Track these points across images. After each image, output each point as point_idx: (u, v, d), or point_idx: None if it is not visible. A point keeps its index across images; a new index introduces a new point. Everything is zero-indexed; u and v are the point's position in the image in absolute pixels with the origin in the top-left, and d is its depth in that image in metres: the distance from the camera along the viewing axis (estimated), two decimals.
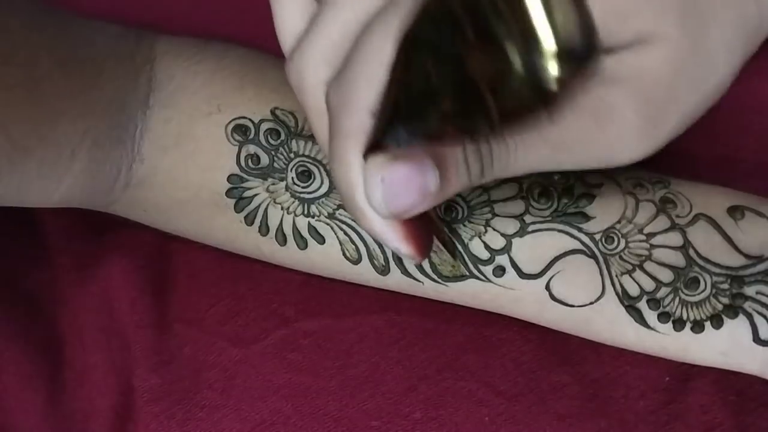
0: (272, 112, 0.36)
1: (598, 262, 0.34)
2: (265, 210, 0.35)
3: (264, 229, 0.36)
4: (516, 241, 0.34)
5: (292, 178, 0.35)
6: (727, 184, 0.35)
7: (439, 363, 0.36)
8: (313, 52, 0.27)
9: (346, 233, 0.35)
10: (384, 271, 0.35)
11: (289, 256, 0.36)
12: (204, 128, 0.36)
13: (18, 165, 0.32)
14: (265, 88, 0.36)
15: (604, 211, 0.34)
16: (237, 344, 0.37)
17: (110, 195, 0.36)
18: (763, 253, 0.33)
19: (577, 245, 0.34)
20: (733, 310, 0.33)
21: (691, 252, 0.33)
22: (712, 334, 0.33)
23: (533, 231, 0.34)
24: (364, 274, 0.36)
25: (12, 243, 0.40)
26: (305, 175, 0.35)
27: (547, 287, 0.34)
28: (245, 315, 0.37)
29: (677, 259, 0.33)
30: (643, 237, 0.33)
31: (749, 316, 0.33)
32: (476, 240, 0.34)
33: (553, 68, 0.18)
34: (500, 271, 0.34)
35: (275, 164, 0.35)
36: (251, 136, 0.35)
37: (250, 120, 0.35)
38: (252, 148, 0.35)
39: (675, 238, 0.33)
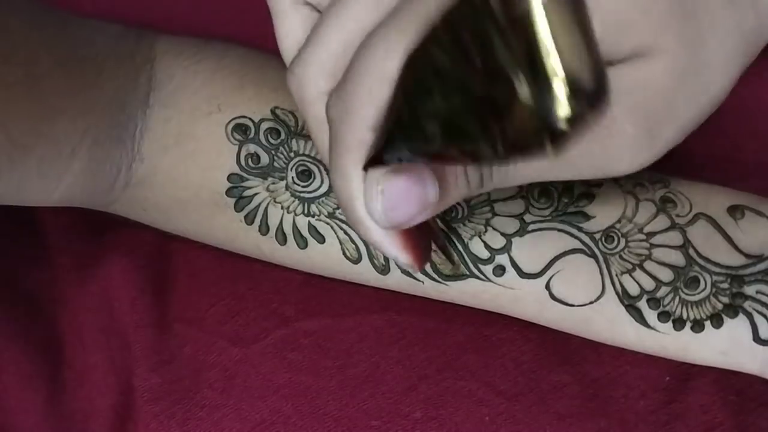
0: (272, 112, 0.36)
1: (598, 262, 0.34)
2: (265, 209, 0.35)
3: (264, 229, 0.36)
4: (516, 240, 0.34)
5: (292, 177, 0.35)
6: (727, 184, 0.35)
7: (439, 363, 0.36)
8: (314, 63, 0.27)
9: (346, 232, 0.35)
10: (384, 270, 0.35)
11: (289, 255, 0.36)
12: (204, 127, 0.36)
13: (18, 163, 0.32)
14: (265, 88, 0.36)
15: (604, 211, 0.34)
16: (237, 344, 0.37)
17: (110, 194, 0.36)
18: (763, 253, 0.33)
19: (577, 245, 0.34)
20: (733, 310, 0.33)
21: (691, 251, 0.33)
22: (712, 333, 0.33)
23: (533, 230, 0.34)
24: (364, 273, 0.36)
25: (12, 243, 0.40)
26: (305, 175, 0.35)
27: (547, 287, 0.34)
28: (245, 315, 0.37)
29: (677, 258, 0.33)
30: (643, 236, 0.33)
31: (749, 316, 0.33)
32: (476, 239, 0.34)
33: (562, 108, 0.18)
34: (500, 270, 0.34)
35: (275, 163, 0.35)
36: (251, 135, 0.35)
37: (250, 119, 0.36)
38: (252, 148, 0.35)
39: (675, 238, 0.33)
